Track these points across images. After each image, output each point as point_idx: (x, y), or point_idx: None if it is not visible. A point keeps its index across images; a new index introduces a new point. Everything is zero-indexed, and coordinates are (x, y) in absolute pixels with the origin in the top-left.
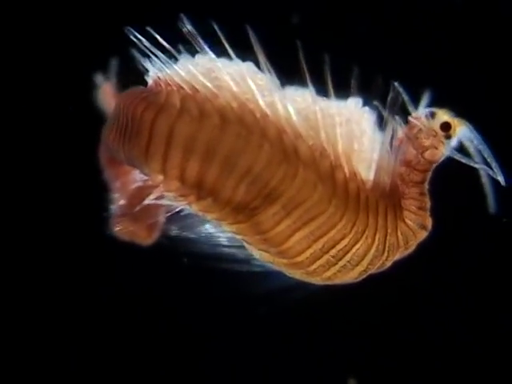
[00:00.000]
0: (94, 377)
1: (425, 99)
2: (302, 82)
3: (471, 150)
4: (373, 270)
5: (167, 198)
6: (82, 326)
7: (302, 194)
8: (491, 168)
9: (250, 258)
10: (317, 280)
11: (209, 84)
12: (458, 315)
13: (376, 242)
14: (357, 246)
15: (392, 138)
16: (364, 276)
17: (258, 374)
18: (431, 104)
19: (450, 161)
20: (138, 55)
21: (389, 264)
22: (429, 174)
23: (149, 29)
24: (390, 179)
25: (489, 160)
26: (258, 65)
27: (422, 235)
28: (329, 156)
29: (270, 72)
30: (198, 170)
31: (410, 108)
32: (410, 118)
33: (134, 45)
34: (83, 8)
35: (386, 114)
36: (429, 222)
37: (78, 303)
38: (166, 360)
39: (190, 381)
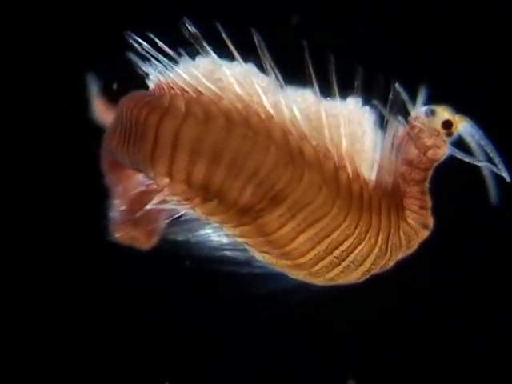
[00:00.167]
0: (94, 378)
1: (423, 97)
2: (301, 83)
3: (473, 146)
4: (376, 270)
5: (171, 202)
6: (83, 329)
7: (307, 196)
8: (494, 164)
9: (251, 260)
10: (320, 281)
11: (212, 86)
12: (460, 315)
13: (379, 242)
14: (360, 247)
15: (393, 137)
16: (367, 276)
17: (258, 374)
18: (430, 102)
19: (450, 159)
20: (137, 59)
21: (391, 264)
22: (430, 173)
23: (149, 33)
24: (392, 178)
25: (492, 155)
26: (257, 66)
27: (424, 234)
28: (332, 157)
29: (274, 73)
30: (204, 172)
31: (410, 107)
32: (410, 118)
33: (133, 49)
34: (83, 12)
35: (386, 113)
36: (430, 221)
37: (79, 307)
38: (168, 363)
39: (193, 382)
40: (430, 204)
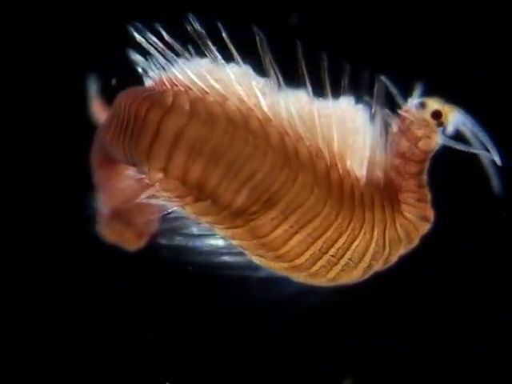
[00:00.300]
0: (94, 378)
1: (415, 91)
2: (294, 83)
3: (466, 134)
4: (378, 267)
5: (161, 198)
6: (82, 329)
7: (299, 198)
8: (488, 150)
9: (252, 264)
10: (322, 281)
11: (218, 86)
12: (459, 313)
13: (375, 237)
14: (356, 243)
15: (383, 131)
16: (370, 273)
17: (256, 373)
18: (421, 95)
19: (447, 151)
20: (137, 55)
21: (394, 259)
22: (425, 165)
23: (156, 26)
24: (384, 173)
25: (485, 142)
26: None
27: (425, 227)
28: (324, 157)
29: (273, 73)
30: (201, 172)
31: (400, 100)
32: (400, 111)
33: (135, 44)
34: (82, 8)
35: (375, 107)
36: (430, 214)
37: (79, 306)
38: (168, 364)
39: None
40: (429, 196)
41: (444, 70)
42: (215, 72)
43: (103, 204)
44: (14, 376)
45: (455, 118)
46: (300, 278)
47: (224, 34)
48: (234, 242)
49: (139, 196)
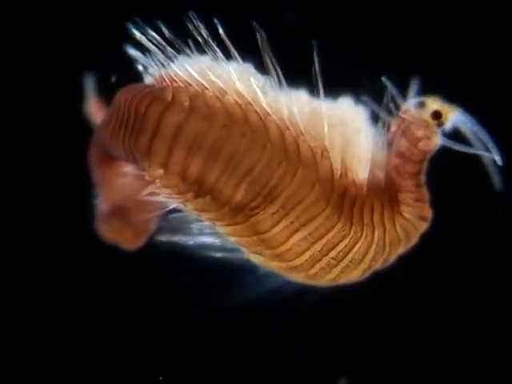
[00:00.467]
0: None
1: (413, 90)
2: (296, 83)
3: (466, 134)
4: (377, 266)
5: (162, 195)
6: (80, 331)
7: (299, 192)
8: (488, 150)
9: (248, 263)
10: (321, 283)
11: (218, 81)
12: (458, 313)
13: (376, 239)
14: (357, 246)
15: (384, 132)
16: (369, 273)
17: (249, 373)
18: (420, 94)
19: (445, 151)
20: (136, 52)
21: (393, 258)
22: (424, 166)
23: (156, 23)
24: (385, 174)
25: (485, 142)
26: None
27: (423, 227)
28: (329, 157)
29: (274, 70)
30: (201, 167)
31: (399, 101)
32: (399, 111)
33: (134, 40)
34: (81, 5)
35: (376, 109)
36: (428, 213)
37: (78, 306)
38: (166, 367)
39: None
40: (427, 196)
41: (442, 69)
42: (215, 68)
43: (102, 202)
44: (14, 376)
45: (455, 118)
46: (298, 278)
47: (223, 32)
48: (235, 240)
49: (139, 193)
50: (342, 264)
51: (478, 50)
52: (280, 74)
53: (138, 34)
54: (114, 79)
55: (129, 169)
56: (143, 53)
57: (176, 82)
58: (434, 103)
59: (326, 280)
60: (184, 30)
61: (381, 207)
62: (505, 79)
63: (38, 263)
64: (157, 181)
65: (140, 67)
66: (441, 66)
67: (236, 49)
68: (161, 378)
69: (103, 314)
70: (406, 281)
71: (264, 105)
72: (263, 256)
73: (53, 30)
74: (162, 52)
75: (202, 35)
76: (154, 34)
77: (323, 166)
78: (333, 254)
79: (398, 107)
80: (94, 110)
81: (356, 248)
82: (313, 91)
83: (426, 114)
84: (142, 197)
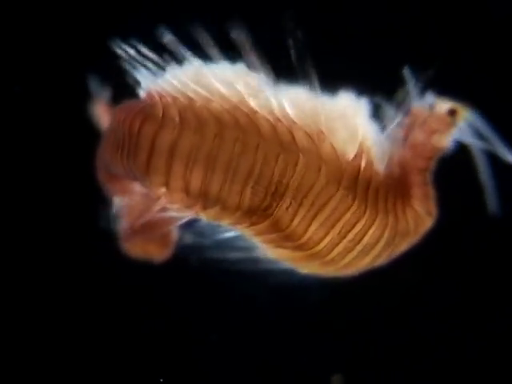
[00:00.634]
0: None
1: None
2: (294, 81)
3: (477, 134)
4: (385, 257)
5: (172, 210)
6: (80, 331)
7: (307, 180)
8: (499, 151)
9: (252, 257)
10: (333, 271)
11: (201, 90)
12: (457, 313)
13: (389, 226)
14: (372, 229)
15: (398, 126)
16: (376, 263)
17: (244, 369)
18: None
19: (450, 158)
20: (128, 67)
21: (398, 252)
22: (432, 163)
23: (133, 40)
24: (399, 168)
25: (495, 144)
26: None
27: (430, 223)
28: (327, 139)
29: (263, 70)
30: (201, 179)
31: (417, 95)
32: (416, 106)
33: (122, 57)
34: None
35: (392, 104)
36: (434, 210)
37: (78, 306)
38: (165, 366)
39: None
40: (432, 194)
41: (443, 69)
42: (205, 73)
43: (121, 220)
44: (14, 376)
45: (468, 118)
46: (313, 267)
47: (217, 34)
48: (257, 239)
49: (151, 210)
50: (358, 248)
51: (478, 50)
52: (275, 72)
53: (121, 50)
54: (116, 81)
55: (136, 187)
56: (134, 68)
57: (164, 96)
58: (449, 102)
59: (339, 267)
60: (165, 40)
61: (394, 198)
62: (505, 79)
63: (38, 263)
64: (162, 198)
65: (131, 81)
66: (441, 66)
67: (228, 49)
68: (161, 380)
69: (103, 313)
70: (405, 280)
71: (252, 103)
72: (285, 249)
73: (53, 30)
74: (149, 66)
75: (176, 46)
76: (138, 46)
77: (324, 148)
78: (350, 236)
79: (412, 102)
80: (100, 112)
81: (371, 231)
82: (313, 89)
83: (443, 111)
84: (154, 213)
